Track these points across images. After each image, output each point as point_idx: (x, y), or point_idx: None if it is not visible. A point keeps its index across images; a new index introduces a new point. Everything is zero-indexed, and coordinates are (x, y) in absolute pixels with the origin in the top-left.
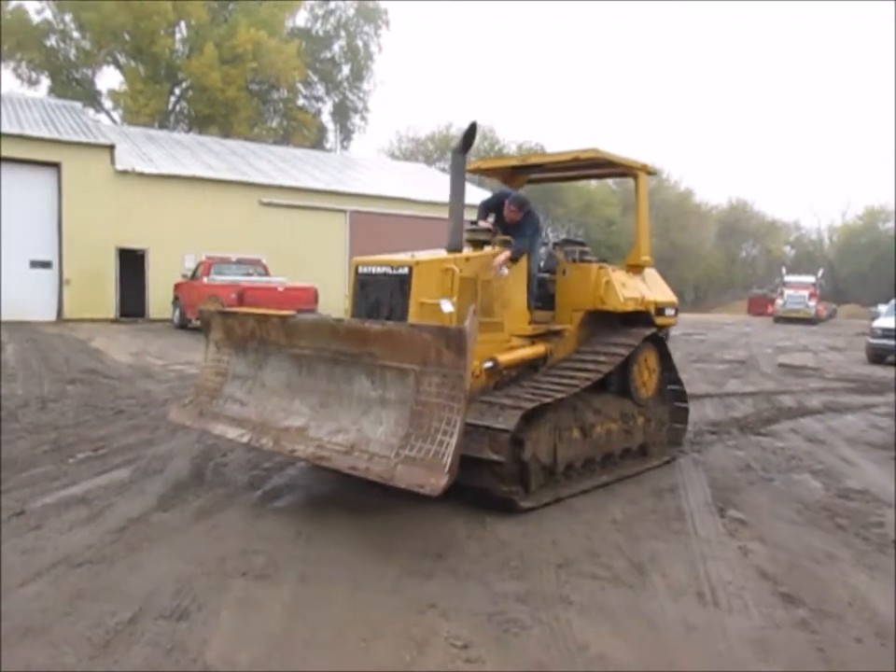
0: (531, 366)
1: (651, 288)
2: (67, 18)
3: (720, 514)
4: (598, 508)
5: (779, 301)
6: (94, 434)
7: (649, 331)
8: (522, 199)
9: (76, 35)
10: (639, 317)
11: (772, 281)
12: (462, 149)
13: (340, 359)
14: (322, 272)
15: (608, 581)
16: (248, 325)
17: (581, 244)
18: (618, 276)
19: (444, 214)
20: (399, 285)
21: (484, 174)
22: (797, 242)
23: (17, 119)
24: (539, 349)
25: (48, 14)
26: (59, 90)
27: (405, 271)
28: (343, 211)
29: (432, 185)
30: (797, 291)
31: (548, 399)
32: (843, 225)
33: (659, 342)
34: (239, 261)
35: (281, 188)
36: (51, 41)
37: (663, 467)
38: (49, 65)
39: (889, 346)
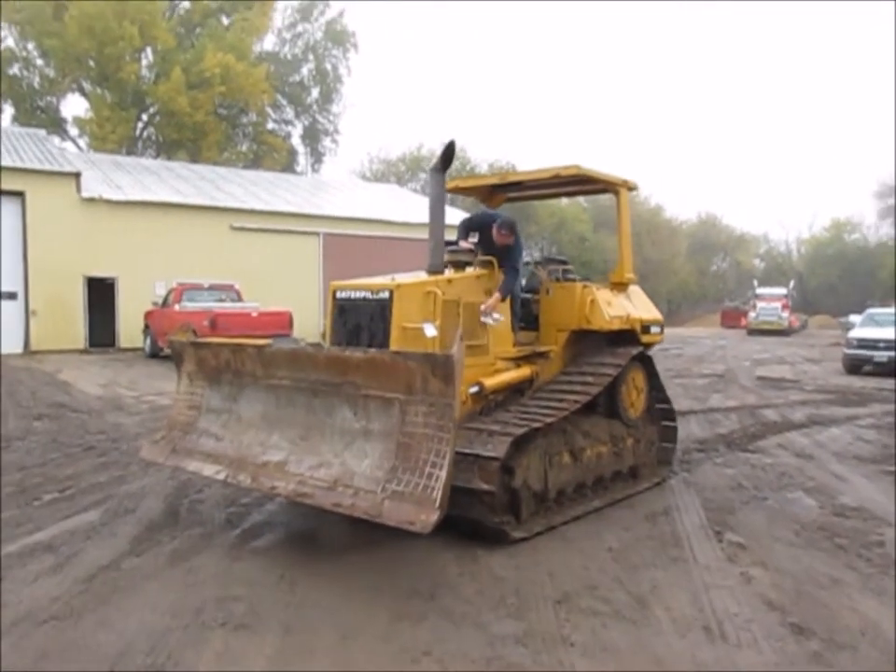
0: (517, 389)
1: (636, 306)
2: (30, 45)
3: (717, 538)
4: (592, 535)
5: (752, 314)
6: (62, 473)
7: (635, 350)
8: (511, 222)
9: (39, 62)
10: (625, 336)
11: (743, 294)
12: (441, 168)
13: (320, 390)
14: (296, 295)
15: (609, 617)
16: (222, 356)
17: (564, 262)
18: (603, 295)
19: (419, 234)
20: (380, 309)
21: (463, 193)
22: (766, 254)
23: None
24: (524, 372)
25: (10, 42)
26: (23, 118)
27: (385, 295)
28: (317, 234)
29: (405, 205)
30: (769, 303)
31: (537, 424)
32: (810, 237)
33: (646, 360)
34: (211, 287)
35: (252, 212)
36: (14, 69)
37: (654, 488)
38: (12, 94)
39: (865, 356)
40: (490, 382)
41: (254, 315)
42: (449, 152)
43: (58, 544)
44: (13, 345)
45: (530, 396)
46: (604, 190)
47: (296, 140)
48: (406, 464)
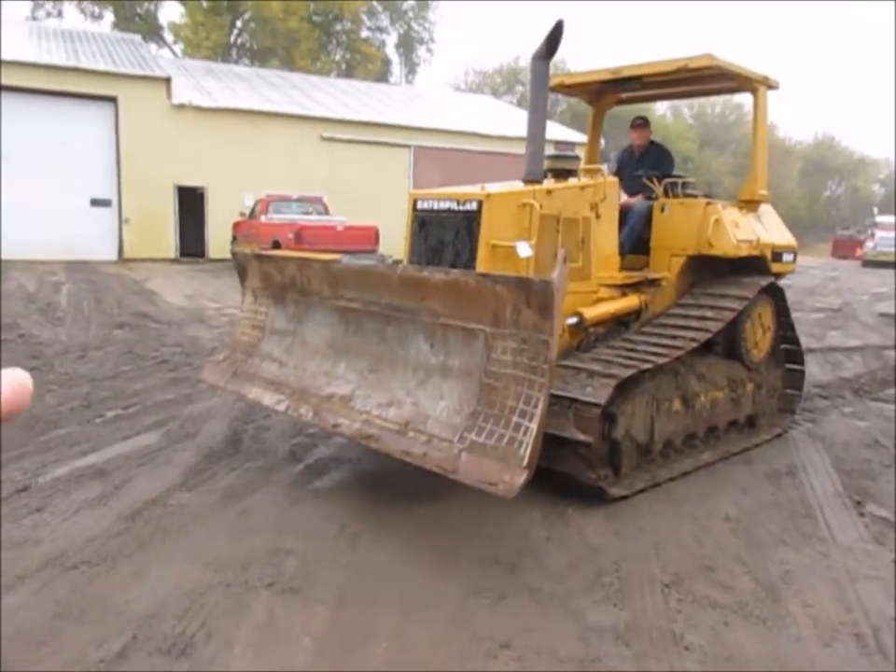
0: (622, 322)
1: (767, 229)
2: None
3: (857, 511)
4: (705, 497)
5: (869, 244)
6: (130, 388)
7: (765, 281)
8: (638, 116)
9: None
10: (752, 264)
11: (858, 222)
12: (546, 54)
13: (393, 315)
14: (384, 210)
15: (732, 612)
16: (288, 271)
17: (681, 175)
18: (729, 214)
19: (515, 149)
20: (466, 223)
21: (567, 92)
22: (888, 179)
23: (74, 52)
24: (632, 301)
25: None
26: (122, 24)
27: (473, 206)
28: (408, 146)
29: (501, 118)
30: (889, 233)
31: (647, 366)
32: None
33: (776, 293)
34: (300, 199)
35: (342, 121)
36: None
37: (774, 441)
38: (112, 0)
39: None
40: (591, 312)
41: (339, 228)
42: (556, 35)
43: (110, 469)
44: (107, 253)
45: (637, 330)
46: (737, 89)
47: (390, 50)
48: (489, 410)
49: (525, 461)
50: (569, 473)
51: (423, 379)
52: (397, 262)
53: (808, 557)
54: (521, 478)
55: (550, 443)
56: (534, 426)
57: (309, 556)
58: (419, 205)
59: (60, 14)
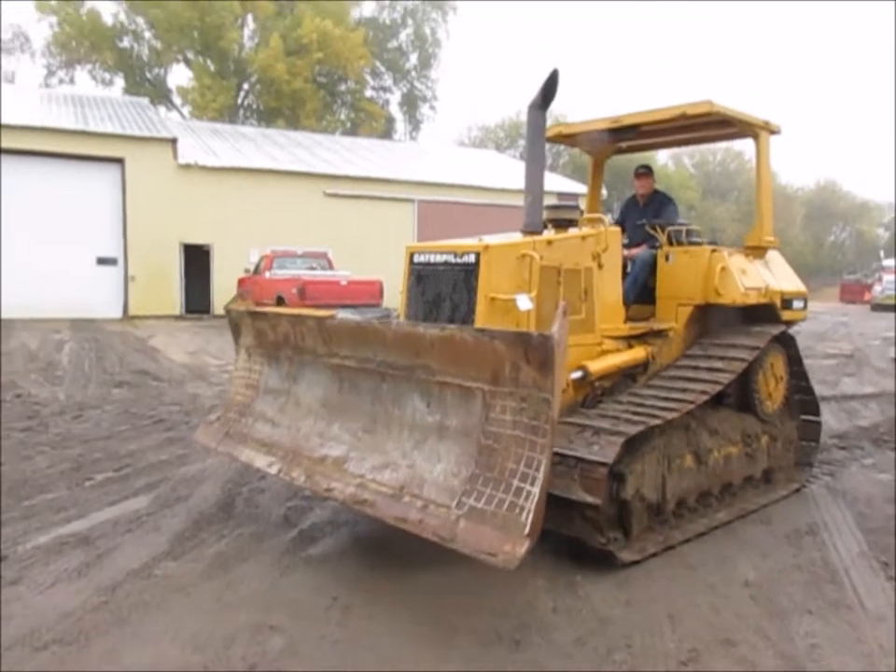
0: (628, 375)
1: (775, 275)
2: (140, 20)
3: (885, 573)
4: (721, 562)
5: (877, 288)
6: (123, 449)
7: (776, 330)
8: (642, 165)
9: (147, 34)
10: (762, 312)
11: (864, 265)
12: (542, 104)
13: (388, 373)
14: (389, 264)
15: None
16: (281, 328)
17: (685, 223)
18: (736, 261)
19: (518, 201)
20: (464, 276)
21: (565, 141)
22: (891, 224)
23: (83, 116)
24: (638, 353)
25: (122, 16)
26: (132, 89)
27: (471, 258)
28: (411, 200)
29: (504, 172)
30: None
31: (656, 421)
32: None
33: (787, 342)
34: (304, 255)
35: (346, 178)
36: (124, 42)
37: (792, 497)
38: (122, 66)
39: None
40: (596, 366)
41: (343, 283)
42: (551, 85)
43: (95, 537)
44: (112, 311)
45: (645, 383)
46: (738, 134)
47: (394, 108)
48: (488, 473)
49: (527, 529)
50: (576, 537)
51: (419, 440)
52: (386, 321)
53: (836, 628)
54: (522, 548)
55: (555, 505)
56: (536, 490)
57: (296, 633)
58: (416, 259)
59: (72, 81)
